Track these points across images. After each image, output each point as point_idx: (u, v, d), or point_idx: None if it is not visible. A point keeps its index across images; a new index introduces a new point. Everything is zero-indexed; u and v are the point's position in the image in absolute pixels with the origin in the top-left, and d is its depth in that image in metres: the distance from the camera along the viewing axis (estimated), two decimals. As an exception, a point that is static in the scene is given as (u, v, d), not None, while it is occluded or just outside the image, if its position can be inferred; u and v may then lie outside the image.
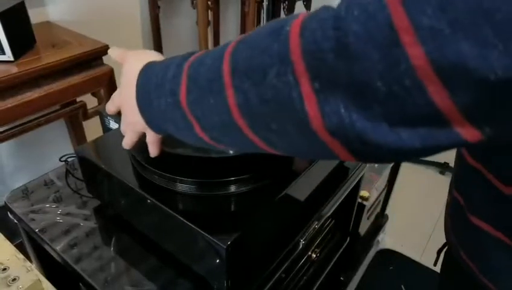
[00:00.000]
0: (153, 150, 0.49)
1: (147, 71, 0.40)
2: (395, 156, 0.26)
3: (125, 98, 0.45)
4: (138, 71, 0.41)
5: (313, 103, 0.25)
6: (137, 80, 0.40)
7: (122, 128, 0.50)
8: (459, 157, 0.47)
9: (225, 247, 0.46)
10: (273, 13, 0.76)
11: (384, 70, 0.22)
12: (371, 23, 0.22)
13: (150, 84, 0.38)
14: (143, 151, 0.56)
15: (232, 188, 0.53)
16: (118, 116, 0.76)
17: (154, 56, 0.45)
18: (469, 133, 0.23)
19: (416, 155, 0.25)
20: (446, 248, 0.58)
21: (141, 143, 0.59)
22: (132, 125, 0.46)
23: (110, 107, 0.51)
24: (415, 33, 0.21)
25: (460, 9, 0.20)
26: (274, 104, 0.27)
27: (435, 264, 0.66)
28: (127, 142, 0.50)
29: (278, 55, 0.26)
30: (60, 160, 0.75)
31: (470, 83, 0.21)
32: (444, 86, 0.21)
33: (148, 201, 0.53)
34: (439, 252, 0.63)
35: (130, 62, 0.45)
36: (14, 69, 0.98)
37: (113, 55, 0.51)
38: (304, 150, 0.30)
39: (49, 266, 0.70)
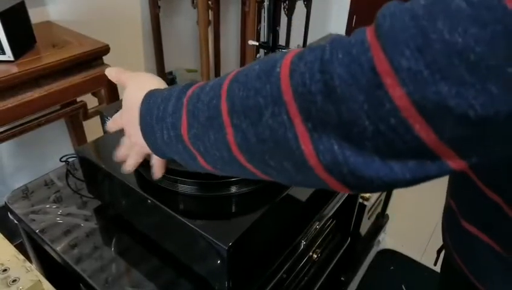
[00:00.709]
0: (158, 173, 0.49)
1: (149, 102, 0.40)
2: (388, 187, 0.27)
3: (128, 122, 0.45)
4: (140, 100, 0.41)
5: (307, 142, 0.26)
6: (140, 110, 0.41)
7: (124, 152, 0.50)
8: None
9: (226, 248, 0.46)
10: (273, 13, 0.76)
11: (370, 111, 0.23)
12: (355, 66, 0.23)
13: (152, 115, 0.39)
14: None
15: (233, 189, 0.53)
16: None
17: (154, 82, 0.46)
18: (456, 163, 0.24)
19: (407, 185, 0.26)
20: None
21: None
22: (138, 146, 0.46)
23: (112, 126, 0.51)
24: (395, 75, 0.22)
25: (436, 51, 0.21)
26: (271, 143, 0.28)
27: (435, 264, 0.67)
28: (131, 165, 0.50)
29: (271, 96, 0.27)
30: (60, 160, 0.75)
31: (452, 120, 0.22)
32: (428, 124, 0.22)
33: (149, 202, 0.53)
34: (439, 251, 0.64)
35: (130, 88, 0.46)
36: (14, 69, 0.98)
37: (110, 76, 0.51)
38: (301, 182, 0.31)
39: (50, 267, 0.70)
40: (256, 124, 0.28)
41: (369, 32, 0.24)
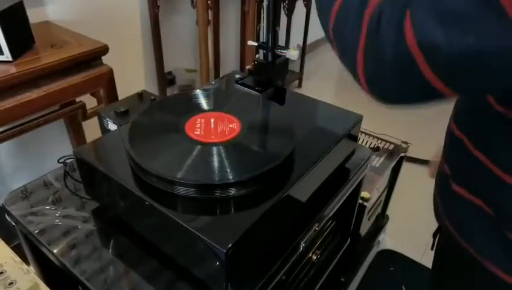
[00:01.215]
0: None
1: None
2: (392, 103, 0.39)
3: None
4: None
5: (361, 53, 0.37)
6: None
7: None
8: (448, 130, 0.55)
9: (225, 251, 0.45)
10: (273, 13, 0.75)
11: (393, 44, 0.33)
12: (394, 11, 0.33)
13: None
14: (141, 154, 0.56)
15: (232, 191, 0.53)
16: (115, 117, 0.75)
17: None
18: (446, 92, 0.35)
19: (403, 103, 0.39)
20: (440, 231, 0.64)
21: (141, 143, 0.58)
22: None
23: None
24: (411, 22, 0.32)
25: (436, 4, 0.31)
26: (347, 33, 0.39)
27: (432, 248, 0.68)
28: None
29: (357, 17, 0.37)
30: (58, 161, 0.75)
31: (442, 58, 0.32)
32: (426, 61, 0.32)
33: (147, 204, 0.52)
34: (434, 235, 0.67)
35: None
36: (12, 69, 0.98)
37: None
38: (342, 62, 0.41)
39: (47, 269, 0.70)
40: (346, 19, 0.39)
41: None
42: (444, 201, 0.56)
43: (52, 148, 1.49)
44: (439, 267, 0.64)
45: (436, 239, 0.65)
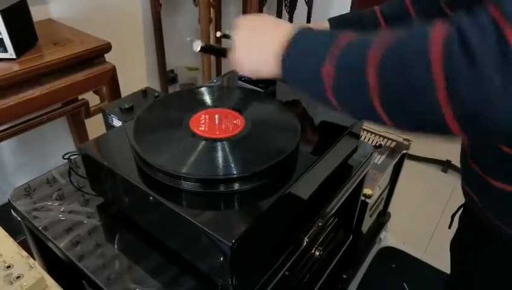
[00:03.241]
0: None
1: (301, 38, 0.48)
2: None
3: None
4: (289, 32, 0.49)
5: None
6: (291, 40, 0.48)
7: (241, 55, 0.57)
8: None
9: (230, 244, 0.46)
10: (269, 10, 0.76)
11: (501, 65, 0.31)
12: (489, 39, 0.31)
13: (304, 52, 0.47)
14: (147, 149, 0.56)
15: (236, 186, 0.53)
16: (120, 113, 0.76)
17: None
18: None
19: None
20: (460, 211, 0.72)
21: (146, 138, 0.58)
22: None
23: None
24: None
25: None
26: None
27: (449, 227, 0.77)
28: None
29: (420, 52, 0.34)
30: (63, 158, 0.75)
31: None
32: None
33: (152, 198, 0.53)
34: (453, 216, 0.74)
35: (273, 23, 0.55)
36: (16, 67, 0.98)
37: None
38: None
39: (53, 264, 0.70)
40: (403, 68, 0.35)
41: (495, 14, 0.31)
42: (466, 178, 0.62)
43: (55, 146, 1.50)
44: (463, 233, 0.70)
45: (458, 214, 0.72)
